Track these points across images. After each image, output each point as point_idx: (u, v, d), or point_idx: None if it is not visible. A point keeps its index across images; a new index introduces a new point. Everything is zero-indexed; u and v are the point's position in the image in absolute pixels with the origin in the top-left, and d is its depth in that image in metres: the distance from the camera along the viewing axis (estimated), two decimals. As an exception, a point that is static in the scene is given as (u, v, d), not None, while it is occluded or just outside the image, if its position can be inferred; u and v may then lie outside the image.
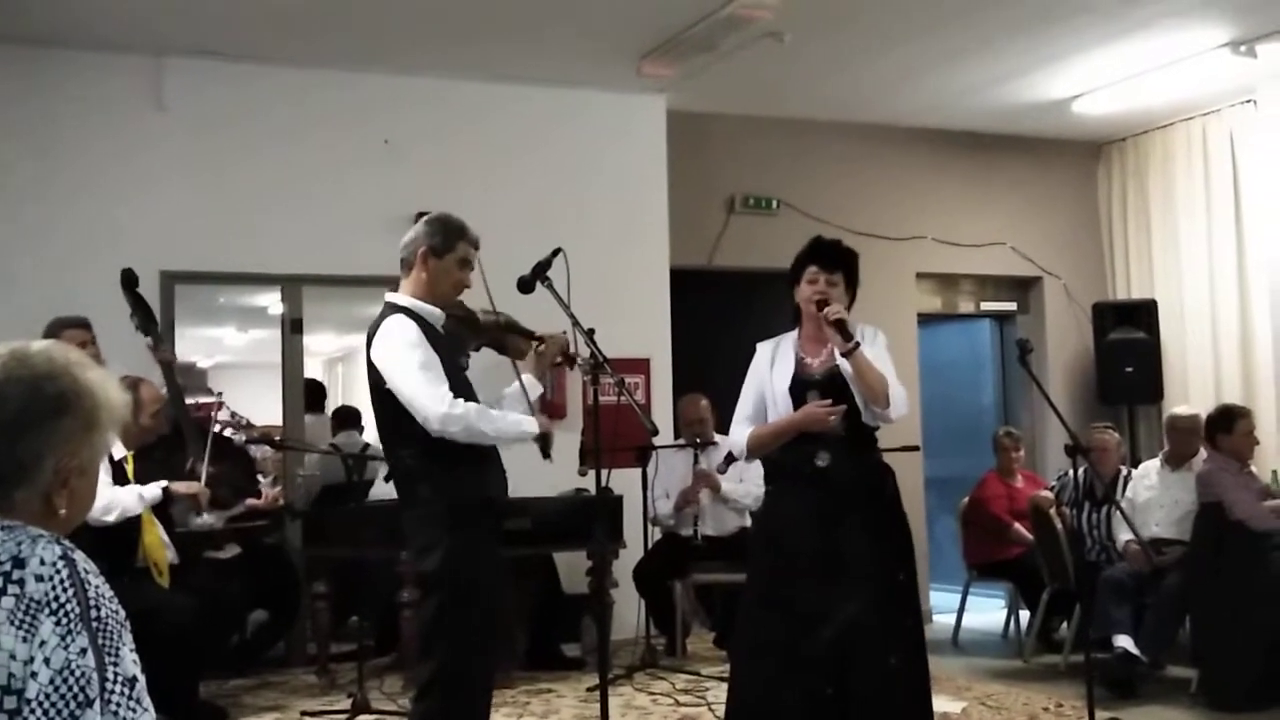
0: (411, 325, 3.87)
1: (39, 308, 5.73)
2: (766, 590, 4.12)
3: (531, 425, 3.97)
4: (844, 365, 4.06)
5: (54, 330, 5.40)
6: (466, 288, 4.06)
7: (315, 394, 8.51)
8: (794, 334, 4.28)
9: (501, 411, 3.96)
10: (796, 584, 3.99)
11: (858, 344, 4.03)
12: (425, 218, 4.09)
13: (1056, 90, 8.13)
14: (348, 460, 6.26)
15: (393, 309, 3.98)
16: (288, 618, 6.81)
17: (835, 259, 4.21)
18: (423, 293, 3.99)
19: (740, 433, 4.22)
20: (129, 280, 5.74)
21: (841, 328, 4.02)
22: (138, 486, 5.28)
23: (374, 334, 3.94)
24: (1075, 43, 7.20)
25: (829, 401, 4.03)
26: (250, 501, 6.11)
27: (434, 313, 3.98)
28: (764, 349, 4.30)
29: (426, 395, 3.76)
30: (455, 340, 4.12)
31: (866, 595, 3.92)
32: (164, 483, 5.37)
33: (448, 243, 3.98)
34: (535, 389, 4.18)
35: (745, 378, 4.31)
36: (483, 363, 4.42)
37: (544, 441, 4.03)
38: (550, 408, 4.33)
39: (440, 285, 4.00)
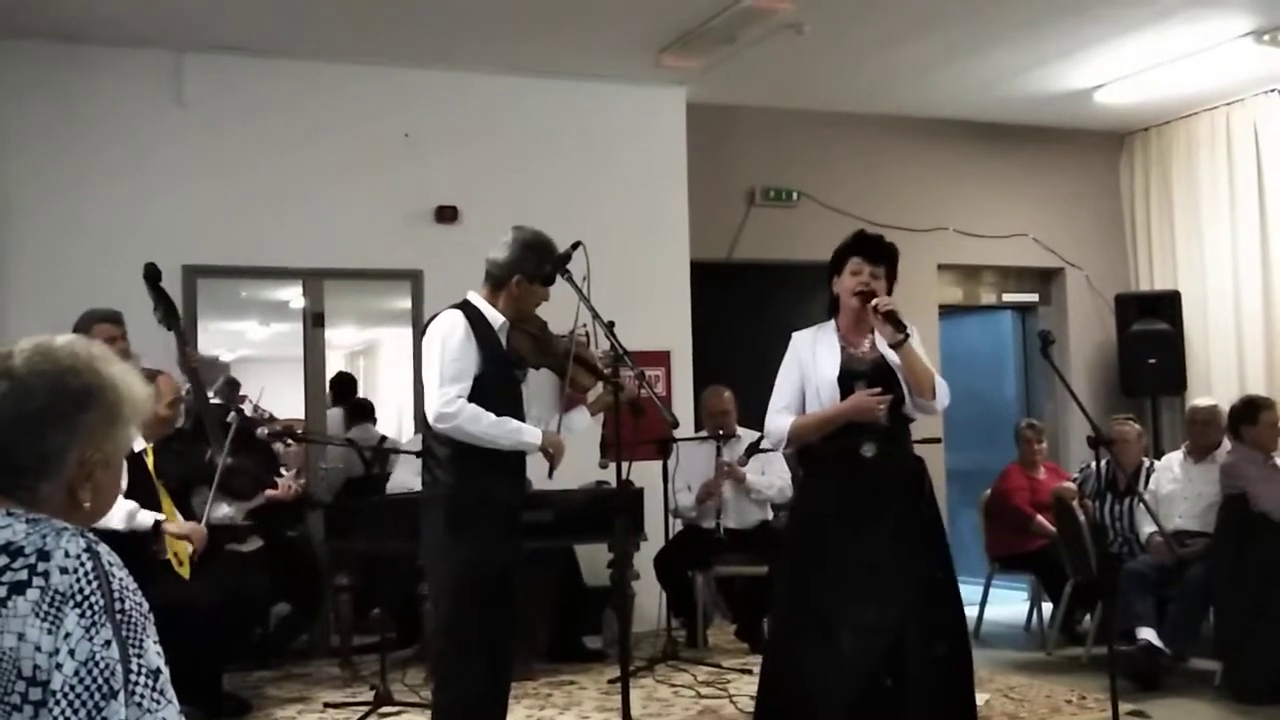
0: (462, 322, 3.98)
1: (67, 301, 5.76)
2: (807, 583, 4.10)
3: (534, 437, 4.00)
4: (890, 356, 4.07)
5: (85, 323, 5.43)
6: (545, 301, 4.18)
7: (346, 386, 8.53)
8: (832, 324, 4.27)
9: (502, 419, 3.94)
10: (838, 576, 3.99)
11: (908, 335, 4.06)
12: (517, 237, 4.12)
13: (1079, 80, 8.09)
14: (364, 453, 6.28)
15: (458, 304, 4.10)
16: (310, 610, 6.84)
17: (879, 252, 4.22)
18: (504, 307, 4.09)
19: (781, 422, 4.19)
20: (152, 274, 5.75)
21: (893, 319, 4.05)
22: (134, 506, 5.12)
23: (430, 320, 4.11)
24: (1097, 32, 7.17)
25: (878, 391, 4.03)
26: (269, 493, 6.12)
27: (497, 318, 4.07)
28: (802, 338, 4.28)
29: (434, 389, 3.89)
30: (512, 350, 4.14)
31: (909, 585, 3.95)
32: (160, 516, 5.22)
33: (541, 268, 4.09)
34: (583, 422, 4.25)
35: (781, 367, 4.29)
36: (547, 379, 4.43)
37: (550, 459, 4.05)
38: (573, 400, 4.33)
39: (527, 306, 4.14)
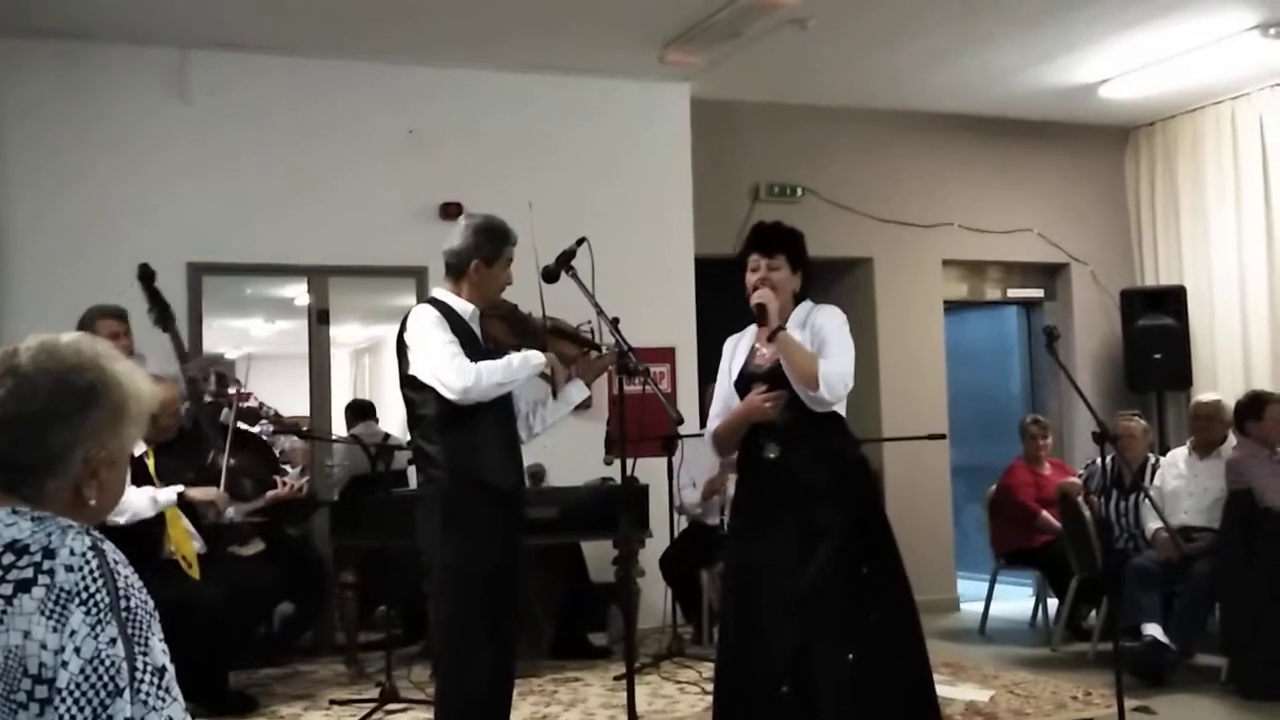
0: (434, 311, 4.01)
1: (72, 299, 5.78)
2: (731, 587, 4.05)
3: (538, 357, 4.05)
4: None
5: (90, 318, 5.46)
6: (509, 284, 4.17)
7: (365, 409, 8.51)
8: (754, 327, 4.20)
9: (505, 359, 4.00)
10: (759, 579, 3.90)
11: (780, 327, 3.95)
12: (469, 224, 4.15)
13: (1084, 75, 8.07)
14: (370, 450, 6.29)
15: (424, 300, 4.15)
16: (314, 609, 6.85)
17: (773, 242, 4.13)
18: (469, 295, 4.10)
19: (710, 430, 4.15)
20: (146, 275, 5.75)
21: (761, 312, 3.97)
22: (152, 490, 5.28)
23: (403, 323, 4.07)
24: (1102, 27, 7.15)
25: (764, 389, 3.94)
26: (271, 494, 6.09)
27: (466, 307, 4.08)
28: (729, 343, 4.23)
29: (446, 367, 3.88)
30: (489, 337, 4.14)
31: (822, 588, 3.78)
32: (180, 487, 5.36)
33: (495, 250, 4.09)
34: (580, 394, 4.24)
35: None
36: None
37: (552, 379, 4.12)
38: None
39: (491, 290, 4.13)
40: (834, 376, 3.88)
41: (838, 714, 3.72)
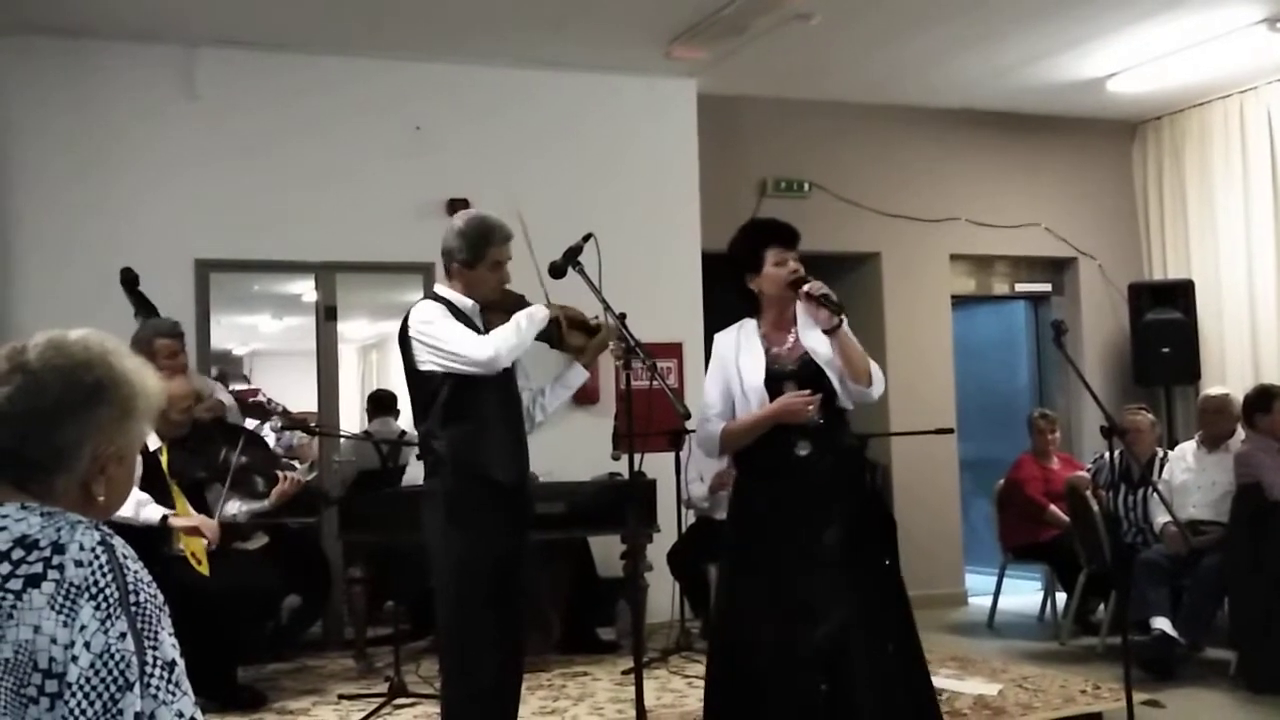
0: (438, 305, 4.02)
1: (80, 296, 5.79)
2: (749, 587, 3.95)
3: (540, 310, 4.05)
4: (817, 347, 3.92)
5: (145, 338, 5.46)
6: (507, 283, 4.14)
7: (386, 403, 8.53)
8: (754, 322, 4.09)
9: (510, 323, 3.99)
10: (781, 579, 3.84)
11: (843, 319, 3.89)
12: (453, 226, 4.12)
13: (1091, 69, 8.06)
14: (381, 446, 6.29)
15: (425, 296, 4.15)
16: (319, 602, 6.86)
17: (794, 236, 4.07)
18: (465, 292, 4.10)
19: (712, 430, 4.03)
20: (129, 279, 5.72)
21: (829, 302, 3.86)
22: (140, 495, 5.16)
23: (405, 318, 4.06)
24: (1109, 21, 7.14)
25: (807, 392, 3.86)
26: (275, 491, 6.05)
27: (465, 302, 4.08)
28: (724, 340, 4.11)
29: (465, 344, 3.89)
30: (489, 330, 4.13)
31: (856, 585, 3.78)
32: (166, 510, 5.28)
33: (476, 254, 4.05)
34: (579, 377, 4.24)
35: (708, 372, 4.15)
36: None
37: (553, 326, 4.09)
38: (582, 393, 4.31)
39: (479, 290, 4.10)
40: (879, 375, 3.93)
41: (884, 705, 3.73)
